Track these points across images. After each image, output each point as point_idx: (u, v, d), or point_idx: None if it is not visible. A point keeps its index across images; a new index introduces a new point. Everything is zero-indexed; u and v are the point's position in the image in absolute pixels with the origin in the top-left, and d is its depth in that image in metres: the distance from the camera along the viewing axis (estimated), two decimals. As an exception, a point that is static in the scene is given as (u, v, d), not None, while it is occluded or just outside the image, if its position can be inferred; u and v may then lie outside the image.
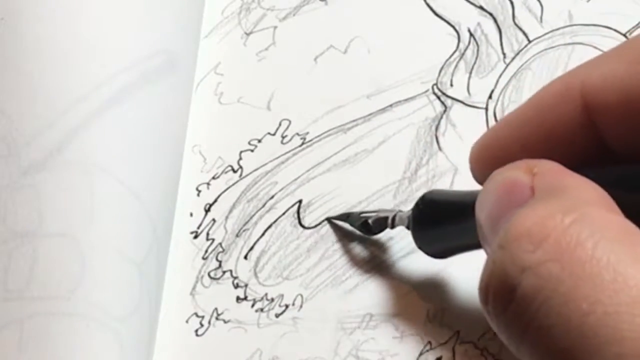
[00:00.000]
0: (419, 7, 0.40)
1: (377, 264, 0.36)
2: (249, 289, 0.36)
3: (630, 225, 0.23)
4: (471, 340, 0.35)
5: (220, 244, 0.36)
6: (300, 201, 0.37)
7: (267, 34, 0.39)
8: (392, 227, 0.35)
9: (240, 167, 0.37)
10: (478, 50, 0.39)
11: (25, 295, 0.32)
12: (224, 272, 0.36)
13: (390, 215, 0.35)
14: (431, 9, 0.40)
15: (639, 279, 0.21)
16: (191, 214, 0.37)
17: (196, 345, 0.35)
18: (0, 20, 0.34)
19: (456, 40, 0.39)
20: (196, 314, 0.35)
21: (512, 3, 0.40)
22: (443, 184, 0.37)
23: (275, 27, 0.40)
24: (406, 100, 0.38)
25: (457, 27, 0.40)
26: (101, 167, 0.33)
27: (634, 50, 0.26)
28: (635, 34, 0.39)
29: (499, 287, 0.23)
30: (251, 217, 0.37)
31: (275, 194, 0.37)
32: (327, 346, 0.35)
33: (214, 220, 0.37)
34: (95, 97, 0.34)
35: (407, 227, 0.34)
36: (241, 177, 0.37)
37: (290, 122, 0.38)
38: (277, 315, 0.35)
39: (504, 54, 0.39)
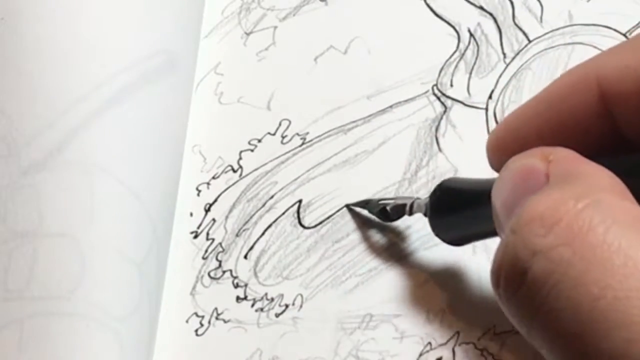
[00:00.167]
0: (419, 8, 0.40)
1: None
2: (249, 288, 0.36)
3: None
4: (471, 340, 0.35)
5: (220, 243, 0.36)
6: (300, 201, 0.37)
7: (267, 34, 0.39)
8: (410, 214, 0.35)
9: (240, 167, 0.37)
10: (478, 50, 0.39)
11: (25, 295, 0.32)
12: (224, 272, 0.36)
13: (408, 203, 0.35)
14: (431, 9, 0.40)
15: None
16: (191, 214, 0.37)
17: (196, 345, 0.35)
18: (0, 20, 0.34)
19: (456, 41, 0.39)
20: (196, 314, 0.35)
21: (512, 3, 0.40)
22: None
23: (275, 27, 0.39)
24: (406, 101, 0.38)
25: (457, 28, 0.39)
26: (101, 167, 0.33)
27: None
28: (635, 33, 0.39)
29: (510, 271, 0.23)
30: (251, 217, 0.37)
31: (275, 193, 0.37)
32: (327, 346, 0.35)
33: (214, 220, 0.37)
34: (95, 97, 0.34)
35: (425, 214, 0.34)
36: (241, 177, 0.37)
37: (290, 122, 0.38)
38: (277, 315, 0.35)
39: (504, 54, 0.39)
